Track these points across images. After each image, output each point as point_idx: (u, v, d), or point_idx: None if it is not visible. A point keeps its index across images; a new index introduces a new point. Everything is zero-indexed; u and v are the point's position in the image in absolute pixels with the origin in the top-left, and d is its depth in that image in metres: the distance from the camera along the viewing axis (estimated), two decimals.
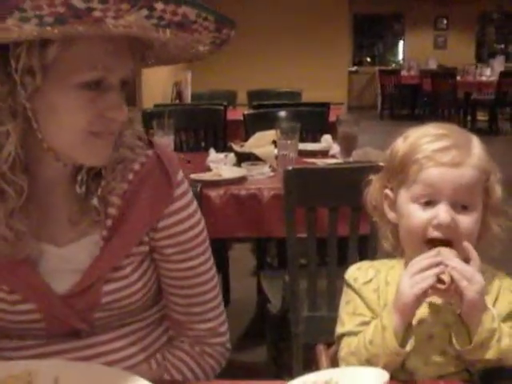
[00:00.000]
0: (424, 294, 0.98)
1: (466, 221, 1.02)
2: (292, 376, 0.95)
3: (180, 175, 1.10)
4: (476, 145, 1.06)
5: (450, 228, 1.01)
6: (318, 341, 1.48)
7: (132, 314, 1.10)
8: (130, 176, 1.05)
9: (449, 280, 0.96)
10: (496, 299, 1.06)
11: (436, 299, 1.04)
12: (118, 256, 1.05)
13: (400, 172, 1.07)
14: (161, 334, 1.16)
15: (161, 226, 1.07)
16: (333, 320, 1.16)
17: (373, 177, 1.15)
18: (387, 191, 1.11)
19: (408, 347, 0.99)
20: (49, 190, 1.03)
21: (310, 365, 1.52)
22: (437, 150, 1.03)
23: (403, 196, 1.07)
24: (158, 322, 1.16)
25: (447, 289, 0.97)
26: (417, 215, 1.03)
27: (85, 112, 0.93)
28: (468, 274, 0.97)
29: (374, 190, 1.14)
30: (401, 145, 1.09)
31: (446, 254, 0.99)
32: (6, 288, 1.02)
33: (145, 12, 0.81)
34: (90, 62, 0.91)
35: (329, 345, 1.31)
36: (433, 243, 1.02)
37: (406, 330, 0.99)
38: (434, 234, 1.02)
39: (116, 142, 1.01)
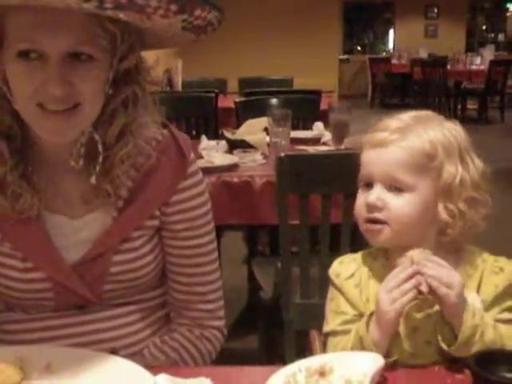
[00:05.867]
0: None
1: (397, 201, 1.03)
2: (284, 363, 0.95)
3: (192, 155, 1.14)
4: (434, 129, 1.04)
5: (378, 208, 1.03)
6: (310, 328, 1.48)
7: (138, 291, 1.12)
8: (148, 151, 1.07)
9: (427, 289, 0.95)
10: (479, 284, 1.05)
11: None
12: (130, 227, 1.08)
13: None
14: (163, 316, 1.19)
15: (173, 200, 1.10)
16: (324, 307, 1.16)
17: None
18: None
19: (393, 356, 0.99)
20: (57, 164, 1.05)
21: (302, 351, 1.52)
22: (373, 133, 1.07)
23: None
24: (161, 306, 1.18)
25: (427, 295, 0.96)
26: (358, 197, 1.08)
27: (28, 81, 0.94)
28: (445, 278, 0.95)
29: None
30: None
31: (419, 259, 0.97)
32: (19, 255, 1.05)
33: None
34: (17, 34, 0.93)
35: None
36: (372, 222, 1.05)
37: (391, 340, 0.99)
38: (367, 214, 1.05)
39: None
